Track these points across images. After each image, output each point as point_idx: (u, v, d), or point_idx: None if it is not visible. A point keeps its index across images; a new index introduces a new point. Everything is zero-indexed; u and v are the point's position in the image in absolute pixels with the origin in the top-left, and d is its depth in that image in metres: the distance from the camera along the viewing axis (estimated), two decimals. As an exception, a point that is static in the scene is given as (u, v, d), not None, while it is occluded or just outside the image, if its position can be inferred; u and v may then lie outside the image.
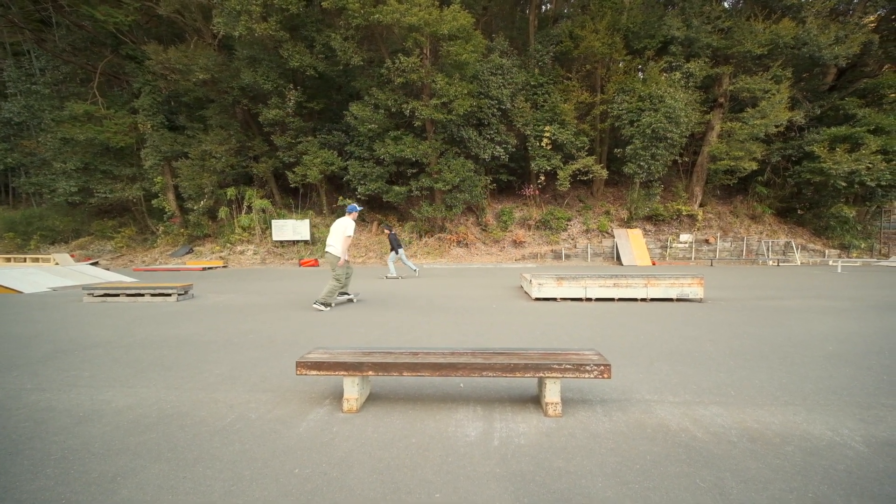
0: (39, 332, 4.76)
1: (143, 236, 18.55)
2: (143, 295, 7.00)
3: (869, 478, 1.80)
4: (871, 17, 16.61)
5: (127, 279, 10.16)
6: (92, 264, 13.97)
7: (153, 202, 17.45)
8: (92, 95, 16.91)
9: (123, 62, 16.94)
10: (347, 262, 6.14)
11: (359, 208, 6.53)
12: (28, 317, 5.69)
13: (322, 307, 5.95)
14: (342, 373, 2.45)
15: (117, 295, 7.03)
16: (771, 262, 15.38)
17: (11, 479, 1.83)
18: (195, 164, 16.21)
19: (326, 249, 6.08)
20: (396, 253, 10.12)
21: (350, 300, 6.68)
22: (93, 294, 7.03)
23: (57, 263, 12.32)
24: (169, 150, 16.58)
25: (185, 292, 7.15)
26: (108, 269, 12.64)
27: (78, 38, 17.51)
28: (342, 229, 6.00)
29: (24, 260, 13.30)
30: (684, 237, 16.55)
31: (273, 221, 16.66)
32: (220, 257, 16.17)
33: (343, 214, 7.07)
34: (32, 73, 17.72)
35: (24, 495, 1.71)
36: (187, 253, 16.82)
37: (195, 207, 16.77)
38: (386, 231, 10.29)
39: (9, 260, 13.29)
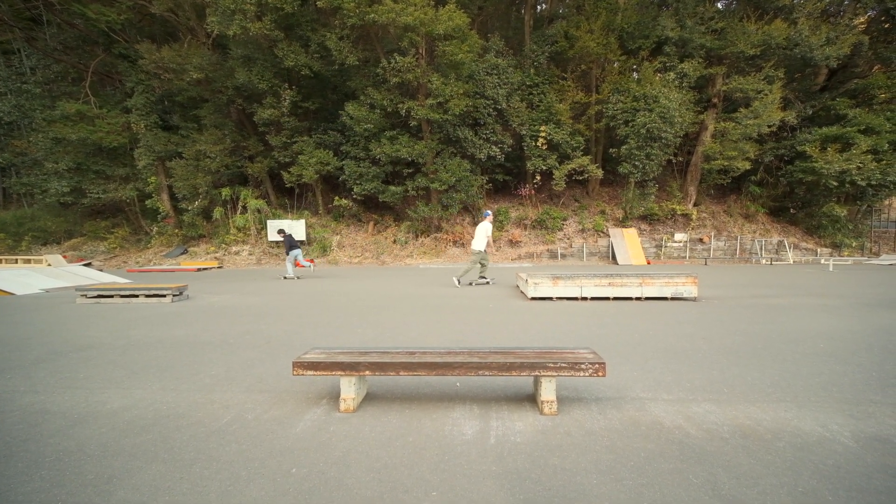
0: (32, 333, 4.71)
1: (136, 237, 18.39)
2: (137, 296, 6.95)
3: (857, 472, 1.83)
4: (862, 19, 16.79)
5: (121, 280, 10.08)
6: (85, 265, 13.84)
7: (147, 202, 17.29)
8: (84, 95, 16.73)
9: (116, 61, 16.76)
10: (485, 252, 8.37)
11: (490, 212, 8.82)
12: (20, 319, 5.63)
13: (471, 281, 8.81)
14: (339, 373, 2.46)
15: (111, 296, 6.98)
16: (764, 261, 15.53)
17: (6, 482, 1.82)
18: (189, 164, 16.08)
19: (472, 247, 8.50)
20: (287, 254, 10.46)
21: (487, 283, 8.69)
22: (86, 295, 6.97)
23: (49, 265, 12.20)
24: (163, 150, 16.44)
25: (180, 293, 7.11)
26: (101, 270, 12.52)
27: (69, 37, 17.31)
28: (484, 231, 8.26)
29: (16, 261, 13.16)
30: (679, 236, 16.67)
31: (268, 222, 16.58)
32: (215, 258, 16.07)
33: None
34: (23, 72, 17.52)
35: (18, 497, 1.71)
36: (182, 254, 16.70)
37: (189, 208, 16.64)
38: (281, 235, 10.79)
39: (0, 261, 13.14)
